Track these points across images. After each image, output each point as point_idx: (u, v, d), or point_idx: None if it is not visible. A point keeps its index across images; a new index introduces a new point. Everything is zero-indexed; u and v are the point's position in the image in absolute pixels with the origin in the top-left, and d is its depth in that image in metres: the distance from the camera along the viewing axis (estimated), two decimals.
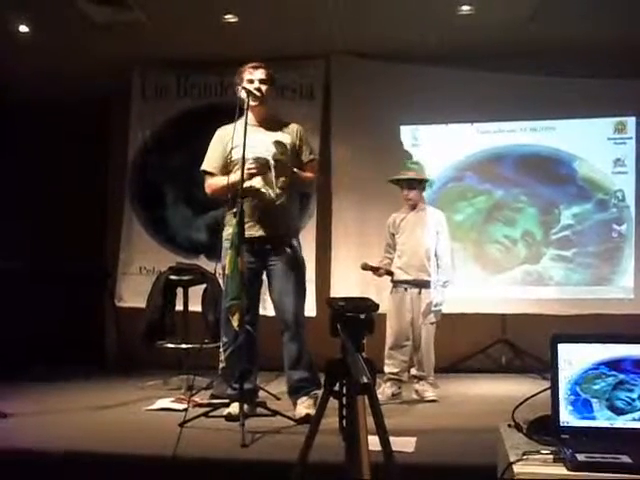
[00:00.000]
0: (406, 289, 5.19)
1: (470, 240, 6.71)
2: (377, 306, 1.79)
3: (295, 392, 4.29)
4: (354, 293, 6.42)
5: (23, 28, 6.16)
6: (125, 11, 5.61)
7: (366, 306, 1.76)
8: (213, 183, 4.28)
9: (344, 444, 1.77)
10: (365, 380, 1.46)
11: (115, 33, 6.03)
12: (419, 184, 5.28)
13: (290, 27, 6.15)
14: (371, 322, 1.77)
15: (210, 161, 4.34)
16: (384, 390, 5.07)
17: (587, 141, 6.60)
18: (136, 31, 6.03)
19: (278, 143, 4.24)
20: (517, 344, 6.60)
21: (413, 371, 5.21)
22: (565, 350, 2.17)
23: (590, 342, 2.19)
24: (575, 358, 2.17)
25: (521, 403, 2.17)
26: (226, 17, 5.89)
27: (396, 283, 5.25)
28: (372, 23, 6.12)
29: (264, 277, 4.34)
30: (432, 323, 5.19)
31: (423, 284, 5.17)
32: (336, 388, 1.84)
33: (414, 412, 4.77)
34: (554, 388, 2.15)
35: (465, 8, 5.83)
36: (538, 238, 6.66)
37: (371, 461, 1.66)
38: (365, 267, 5.26)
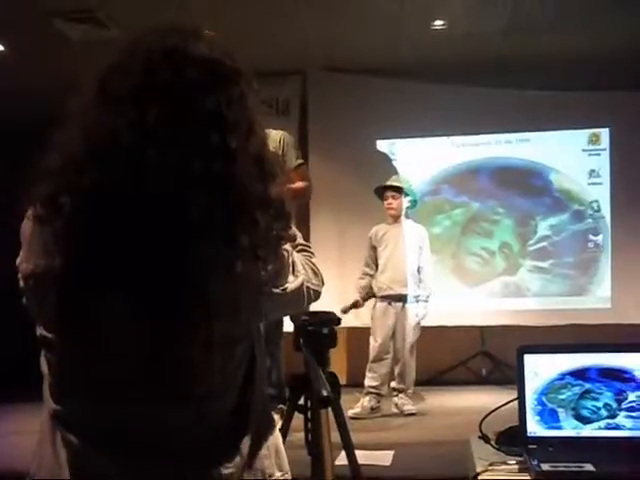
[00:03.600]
0: (390, 303, 5.21)
1: (448, 253, 6.74)
2: (339, 320, 1.80)
3: None
4: (333, 308, 6.43)
5: None
6: (100, 29, 5.62)
7: (328, 320, 1.77)
8: None
9: (310, 458, 1.77)
10: (325, 393, 1.46)
11: (93, 51, 6.03)
12: (403, 195, 5.31)
13: (265, 43, 6.17)
14: (334, 336, 1.78)
15: None
16: (363, 404, 5.07)
17: (562, 153, 6.66)
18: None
19: None
20: (497, 356, 6.62)
21: (393, 384, 5.22)
22: (531, 361, 2.18)
23: (556, 352, 2.20)
24: (541, 368, 2.18)
25: (487, 415, 2.18)
26: None
27: (379, 297, 5.26)
28: (347, 38, 6.17)
29: None
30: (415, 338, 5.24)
31: (406, 298, 5.20)
32: (302, 402, 1.84)
33: (393, 425, 4.78)
34: (521, 399, 2.16)
35: (438, 23, 5.90)
36: (515, 250, 6.71)
37: (335, 474, 1.66)
38: (346, 310, 5.29)
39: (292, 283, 1.30)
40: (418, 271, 5.26)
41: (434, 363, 6.42)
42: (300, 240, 1.44)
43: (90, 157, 1.14)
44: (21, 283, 1.22)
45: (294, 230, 1.38)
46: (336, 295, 6.40)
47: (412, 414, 5.05)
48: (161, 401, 1.17)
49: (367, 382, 5.14)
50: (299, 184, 4.38)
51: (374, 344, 5.18)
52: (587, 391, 2.16)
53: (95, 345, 1.15)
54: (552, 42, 6.07)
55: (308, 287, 1.35)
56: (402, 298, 5.17)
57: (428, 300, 5.24)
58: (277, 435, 1.34)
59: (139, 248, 1.12)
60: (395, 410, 5.13)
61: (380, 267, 5.27)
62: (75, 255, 1.13)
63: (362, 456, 3.62)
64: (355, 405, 5.07)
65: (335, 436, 1.91)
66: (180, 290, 1.13)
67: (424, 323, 5.35)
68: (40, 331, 1.21)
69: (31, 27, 5.70)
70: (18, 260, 1.23)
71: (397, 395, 5.17)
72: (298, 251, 1.40)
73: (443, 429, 4.50)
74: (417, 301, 5.20)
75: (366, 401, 5.09)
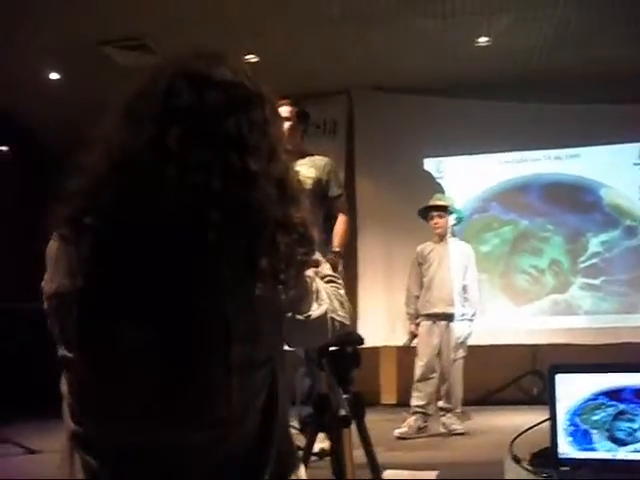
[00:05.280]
0: (434, 322, 5.18)
1: (497, 271, 6.67)
2: (362, 340, 1.80)
3: (305, 427, 4.28)
4: (381, 329, 6.44)
5: (54, 75, 6.37)
6: (148, 55, 5.76)
7: (351, 340, 1.77)
8: None
9: (334, 477, 1.78)
10: (343, 413, 1.47)
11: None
12: (448, 214, 5.29)
13: (312, 64, 6.26)
14: (357, 356, 1.78)
15: None
16: (410, 423, 5.03)
17: (612, 167, 6.55)
18: None
19: None
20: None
21: (440, 403, 5.17)
22: (563, 380, 2.15)
23: (589, 372, 2.16)
24: (574, 388, 2.14)
25: (518, 435, 2.15)
26: (247, 57, 6.01)
27: (424, 316, 5.24)
28: (392, 57, 6.20)
29: None
30: (461, 357, 5.19)
31: (451, 317, 5.16)
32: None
33: (440, 445, 4.73)
34: (552, 419, 2.12)
35: (482, 39, 5.89)
36: (566, 267, 6.59)
37: None
38: (408, 345, 5.31)
39: (316, 311, 1.28)
40: (464, 289, 5.22)
41: (484, 382, 6.34)
42: (329, 271, 1.42)
43: (112, 175, 1.16)
44: (45, 304, 1.24)
45: (320, 258, 1.37)
46: (384, 313, 6.43)
47: (460, 434, 4.98)
48: (179, 425, 1.16)
49: (413, 402, 5.11)
50: (341, 229, 4.32)
51: (419, 363, 5.15)
52: (622, 412, 2.11)
53: (113, 366, 1.16)
54: (600, 55, 6.01)
55: (333, 318, 1.33)
56: (447, 317, 5.14)
57: (473, 319, 5.20)
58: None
59: (157, 268, 1.13)
60: (443, 430, 5.08)
61: (425, 285, 5.24)
62: (97, 275, 1.15)
63: (406, 476, 3.62)
64: (402, 425, 5.04)
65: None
66: (198, 312, 1.13)
67: (472, 342, 5.30)
68: (61, 351, 1.22)
69: (85, 55, 5.88)
70: (43, 282, 1.25)
71: (445, 415, 5.12)
72: (326, 282, 1.38)
73: (489, 449, 4.42)
74: (462, 320, 5.16)
75: (413, 421, 5.05)
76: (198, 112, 1.18)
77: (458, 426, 5.04)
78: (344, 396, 1.71)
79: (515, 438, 2.16)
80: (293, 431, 4.16)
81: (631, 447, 2.09)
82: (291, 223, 1.20)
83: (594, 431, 2.11)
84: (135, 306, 1.14)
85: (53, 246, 1.25)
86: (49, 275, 1.24)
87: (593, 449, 2.10)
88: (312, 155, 4.33)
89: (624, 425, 2.11)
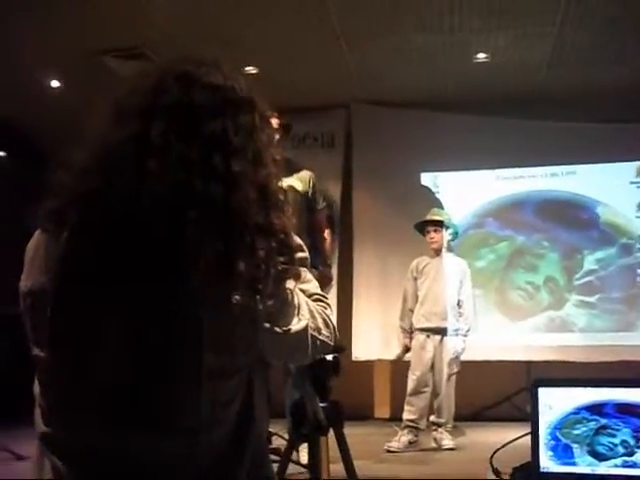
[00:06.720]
0: (428, 336, 5.17)
1: (492, 287, 6.65)
2: (343, 348, 1.80)
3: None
4: (375, 343, 6.44)
5: (54, 83, 6.40)
6: (147, 64, 5.77)
7: (333, 348, 1.76)
8: None
9: None
10: (319, 421, 1.47)
11: None
12: (444, 228, 5.30)
13: (311, 78, 6.27)
14: (337, 364, 1.77)
15: None
16: (400, 438, 5.02)
17: (609, 185, 6.54)
18: None
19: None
20: None
21: (432, 418, 5.15)
22: (546, 394, 2.15)
23: (571, 386, 2.16)
24: (556, 402, 2.14)
25: (498, 449, 2.16)
26: (246, 69, 6.03)
27: (418, 330, 5.24)
28: (391, 72, 6.23)
29: None
30: (454, 372, 5.18)
31: (445, 332, 5.16)
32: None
33: (429, 460, 4.71)
34: (534, 433, 2.12)
35: (481, 56, 5.90)
36: (561, 284, 6.57)
37: None
38: (400, 357, 5.37)
39: (295, 325, 1.25)
40: (458, 304, 5.22)
41: (478, 398, 6.31)
42: (317, 290, 1.38)
43: (95, 170, 1.17)
44: (20, 304, 1.23)
45: (309, 276, 1.35)
46: (379, 326, 6.42)
47: (450, 449, 4.96)
48: (147, 430, 1.15)
49: (405, 415, 5.09)
50: (327, 241, 4.41)
51: (412, 377, 5.14)
52: (603, 427, 2.11)
53: (84, 368, 1.15)
54: (598, 73, 6.02)
55: (314, 336, 1.30)
56: (441, 331, 5.13)
57: (467, 334, 5.19)
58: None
59: (131, 266, 1.12)
60: (434, 445, 5.06)
61: (419, 299, 5.25)
62: (70, 271, 1.14)
63: None
64: (393, 438, 5.03)
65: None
66: (169, 314, 1.12)
67: (466, 357, 5.28)
68: (34, 351, 1.21)
69: (85, 64, 5.90)
70: (20, 282, 1.24)
71: (436, 429, 5.10)
72: (314, 300, 1.35)
73: (478, 464, 4.38)
74: (457, 335, 5.15)
75: (403, 435, 5.03)
76: (184, 110, 1.19)
77: (449, 441, 5.02)
78: (322, 405, 1.71)
79: (495, 452, 2.17)
80: (282, 442, 4.16)
81: (611, 462, 2.09)
82: (271, 229, 1.18)
83: (575, 445, 2.11)
84: (106, 304, 1.13)
85: (31, 244, 1.25)
86: (25, 274, 1.24)
87: (574, 463, 2.10)
88: (295, 167, 4.32)
89: (605, 440, 2.10)
